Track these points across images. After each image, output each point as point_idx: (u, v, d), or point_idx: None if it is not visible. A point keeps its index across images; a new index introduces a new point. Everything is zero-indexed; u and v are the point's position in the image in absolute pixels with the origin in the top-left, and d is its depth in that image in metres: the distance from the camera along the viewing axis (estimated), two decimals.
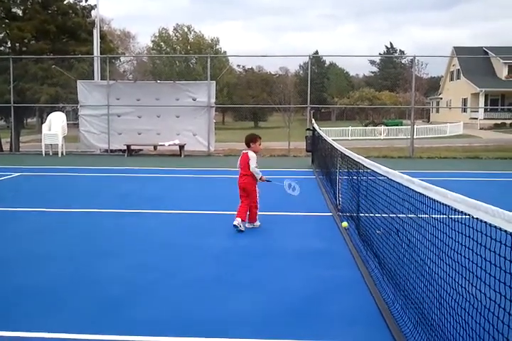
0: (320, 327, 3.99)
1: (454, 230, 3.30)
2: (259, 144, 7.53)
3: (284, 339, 3.79)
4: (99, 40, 20.78)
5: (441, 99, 60.15)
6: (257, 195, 7.39)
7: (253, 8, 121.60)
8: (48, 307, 4.37)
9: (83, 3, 24.10)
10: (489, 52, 47.69)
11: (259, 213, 7.46)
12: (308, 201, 9.50)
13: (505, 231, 2.43)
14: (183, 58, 65.04)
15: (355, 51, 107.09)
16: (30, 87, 21.82)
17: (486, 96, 48.14)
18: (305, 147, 16.61)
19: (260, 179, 7.36)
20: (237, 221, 7.08)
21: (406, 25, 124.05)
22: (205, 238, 6.87)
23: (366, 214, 6.05)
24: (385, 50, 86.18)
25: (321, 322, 4.08)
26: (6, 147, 23.46)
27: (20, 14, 23.83)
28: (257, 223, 7.46)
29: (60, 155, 17.90)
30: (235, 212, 7.23)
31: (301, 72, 78.13)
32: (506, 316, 2.67)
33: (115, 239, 6.88)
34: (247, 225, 7.31)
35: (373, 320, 4.12)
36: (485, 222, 2.61)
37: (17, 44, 23.89)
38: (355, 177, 6.92)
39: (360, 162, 6.14)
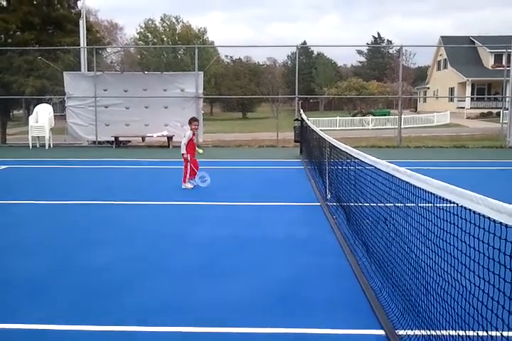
0: (307, 315, 4.03)
1: (440, 218, 3.34)
2: (194, 125, 9.74)
3: (270, 327, 3.83)
4: (85, 31, 20.52)
5: (429, 88, 60.31)
6: (188, 165, 9.36)
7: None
8: (35, 298, 4.38)
9: None
10: (476, 41, 47.83)
11: (246, 203, 8.41)
12: (296, 191, 9.55)
13: (489, 218, 2.46)
14: (170, 49, 64.55)
15: (341, 41, 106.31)
16: (15, 80, 21.60)
17: (472, 85, 48.33)
18: (293, 137, 16.62)
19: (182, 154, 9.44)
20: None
21: (389, 15, 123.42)
22: (191, 227, 6.92)
23: (355, 204, 6.09)
24: (373, 40, 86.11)
25: (307, 310, 4.13)
26: None
27: (5, 5, 23.57)
28: (187, 184, 9.42)
29: (47, 147, 17.78)
30: (222, 203, 8.40)
31: (289, 62, 77.91)
32: (490, 301, 2.73)
33: (102, 229, 6.90)
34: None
35: (361, 307, 4.17)
36: (469, 210, 2.65)
37: (1, 36, 23.64)
38: (343, 167, 6.96)
39: (348, 152, 6.17)
